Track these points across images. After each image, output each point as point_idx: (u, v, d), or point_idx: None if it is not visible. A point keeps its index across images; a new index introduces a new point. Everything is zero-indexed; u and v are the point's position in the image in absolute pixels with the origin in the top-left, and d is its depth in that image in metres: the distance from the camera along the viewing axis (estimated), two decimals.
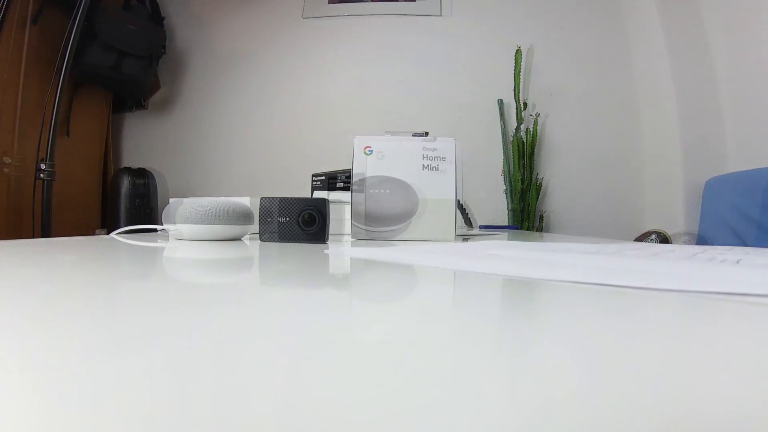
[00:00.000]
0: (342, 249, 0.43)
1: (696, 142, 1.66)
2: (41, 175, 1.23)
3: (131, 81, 1.92)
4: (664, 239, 1.66)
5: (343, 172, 0.95)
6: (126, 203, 1.85)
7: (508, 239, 0.65)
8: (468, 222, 1.42)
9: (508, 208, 1.86)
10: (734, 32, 1.55)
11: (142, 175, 1.91)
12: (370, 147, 0.56)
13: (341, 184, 0.94)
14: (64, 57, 1.29)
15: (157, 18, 2.04)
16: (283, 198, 0.47)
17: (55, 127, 1.26)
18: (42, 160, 1.24)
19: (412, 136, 0.58)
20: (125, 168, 1.92)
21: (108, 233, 1.00)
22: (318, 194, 0.89)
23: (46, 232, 1.22)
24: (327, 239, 0.50)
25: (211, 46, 2.16)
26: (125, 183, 1.86)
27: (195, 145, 2.16)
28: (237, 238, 0.52)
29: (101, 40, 1.75)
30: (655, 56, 1.83)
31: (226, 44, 2.15)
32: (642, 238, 1.73)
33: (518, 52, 1.78)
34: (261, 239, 0.50)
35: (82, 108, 1.91)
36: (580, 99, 1.93)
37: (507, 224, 1.84)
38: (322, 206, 0.48)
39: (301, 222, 0.47)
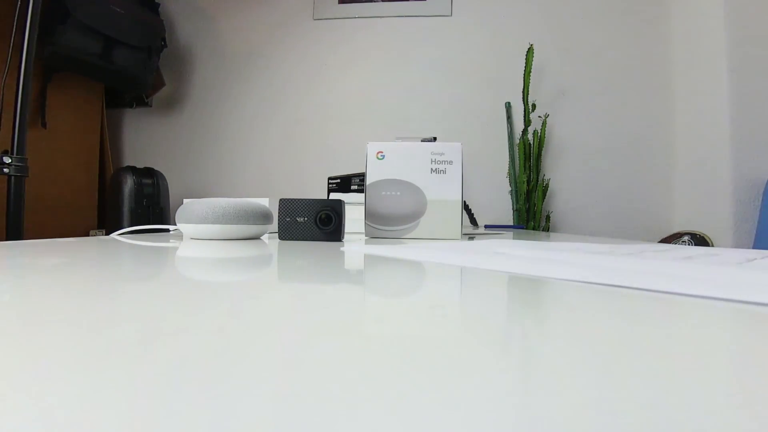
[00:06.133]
0: (357, 247, 0.46)
1: (751, 136, 1.53)
2: (5, 170, 1.06)
3: (126, 74, 1.80)
4: (701, 241, 1.56)
5: (357, 175, 0.99)
6: (130, 203, 1.76)
7: (513, 239, 0.67)
8: (473, 221, 1.45)
9: (513, 209, 1.87)
10: None
11: (150, 174, 1.85)
12: (382, 152, 0.59)
13: (355, 187, 0.98)
14: (23, 31, 1.08)
15: (149, 4, 1.92)
16: (302, 199, 0.51)
17: (22, 115, 1.09)
18: (5, 153, 1.07)
19: (421, 141, 0.62)
20: (128, 167, 1.85)
21: (107, 234, 0.98)
22: (334, 196, 0.92)
23: (15, 233, 1.09)
24: (342, 237, 0.53)
25: (219, 45, 2.16)
26: (129, 182, 1.77)
27: (201, 145, 2.16)
28: (256, 237, 0.55)
29: (77, 20, 1.57)
30: (694, 41, 1.75)
31: (234, 43, 2.15)
32: (670, 239, 1.66)
33: (530, 50, 1.78)
34: (280, 238, 0.53)
35: (64, 99, 1.78)
36: (594, 97, 1.92)
37: (512, 224, 1.85)
38: (338, 207, 0.51)
39: (318, 221, 0.50)
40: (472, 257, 0.33)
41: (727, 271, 0.25)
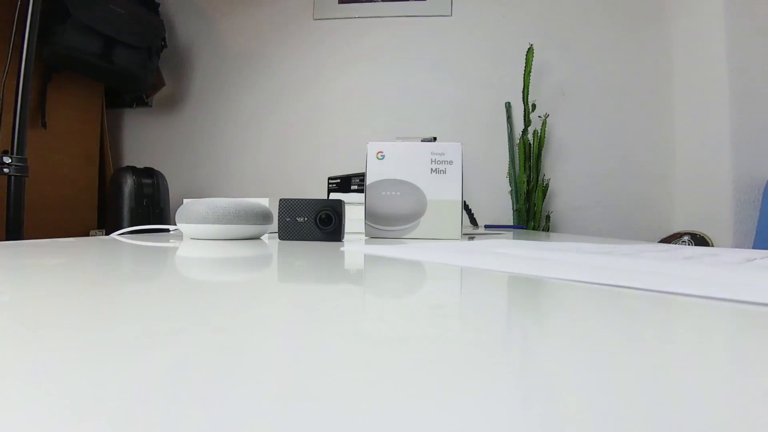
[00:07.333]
0: (357, 247, 0.46)
1: (751, 136, 1.52)
2: (5, 170, 1.07)
3: (126, 74, 1.80)
4: (701, 241, 1.56)
5: (357, 175, 0.99)
6: (130, 203, 1.76)
7: (513, 239, 0.67)
8: (473, 221, 1.45)
9: (513, 209, 1.87)
10: None
11: (150, 174, 1.85)
12: (382, 152, 0.59)
13: (355, 187, 0.98)
14: (23, 31, 1.09)
15: (150, 4, 1.91)
16: (302, 199, 0.51)
17: (22, 115, 1.09)
18: (5, 153, 1.08)
19: (421, 141, 0.62)
20: (128, 167, 1.85)
21: (107, 234, 0.98)
22: (334, 196, 0.92)
23: (15, 233, 1.09)
24: (342, 237, 0.53)
25: (219, 45, 2.16)
26: (129, 182, 1.77)
27: (201, 145, 2.16)
28: (256, 237, 0.55)
29: (76, 20, 1.57)
30: (693, 43, 1.75)
31: (234, 43, 2.15)
32: (670, 239, 1.66)
33: (530, 50, 1.78)
34: (280, 238, 0.53)
35: (64, 99, 1.78)
36: (594, 97, 1.92)
37: (512, 224, 1.85)
38: (338, 207, 0.51)
39: (318, 222, 0.50)
40: (472, 257, 0.33)
41: (728, 271, 0.25)
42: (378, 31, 2.06)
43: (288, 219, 0.52)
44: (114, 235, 0.61)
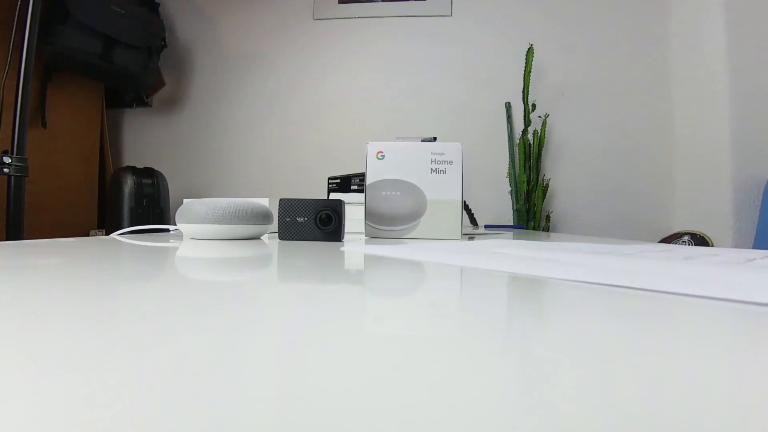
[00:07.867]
0: (357, 247, 0.46)
1: (751, 136, 1.52)
2: (5, 170, 1.07)
3: (126, 74, 1.80)
4: (701, 241, 1.56)
5: (357, 175, 0.99)
6: (130, 203, 1.76)
7: (513, 239, 0.67)
8: (473, 221, 1.45)
9: (513, 209, 1.87)
10: None
11: (150, 174, 1.85)
12: (382, 152, 0.59)
13: (355, 187, 0.98)
14: (23, 31, 1.09)
15: (150, 4, 1.92)
16: (302, 199, 0.51)
17: (22, 115, 1.09)
18: (5, 153, 1.08)
19: (421, 141, 0.62)
20: (128, 167, 1.85)
21: (107, 234, 0.98)
22: (334, 196, 0.92)
23: (15, 233, 1.10)
24: (342, 237, 0.53)
25: (219, 45, 2.16)
26: (129, 182, 1.78)
27: (201, 145, 2.16)
28: (256, 237, 0.55)
29: (77, 20, 1.58)
30: (694, 41, 1.74)
31: (234, 43, 2.15)
32: (670, 239, 1.66)
33: (530, 51, 1.78)
34: (280, 238, 0.53)
35: (64, 99, 1.79)
36: (594, 97, 1.92)
37: (512, 224, 1.85)
38: (338, 207, 0.51)
39: (318, 221, 0.50)
40: (472, 257, 0.33)
41: (728, 271, 0.25)
42: (378, 31, 2.06)
43: (288, 219, 0.52)
44: (114, 235, 0.61)
